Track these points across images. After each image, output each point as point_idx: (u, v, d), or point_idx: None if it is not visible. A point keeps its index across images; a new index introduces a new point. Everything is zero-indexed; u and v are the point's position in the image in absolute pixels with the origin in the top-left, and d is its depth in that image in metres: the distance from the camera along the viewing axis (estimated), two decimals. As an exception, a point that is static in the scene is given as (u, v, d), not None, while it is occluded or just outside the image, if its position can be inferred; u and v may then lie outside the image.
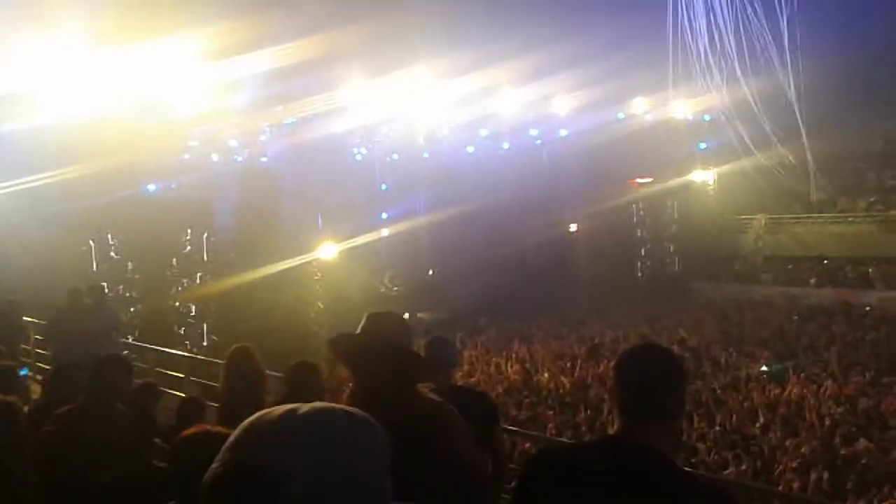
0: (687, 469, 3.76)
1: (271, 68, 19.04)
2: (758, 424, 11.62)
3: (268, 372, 5.32)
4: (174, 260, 19.44)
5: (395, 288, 24.84)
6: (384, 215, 24.55)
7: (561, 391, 14.08)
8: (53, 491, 3.58)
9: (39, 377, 8.91)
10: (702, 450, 10.43)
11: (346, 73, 21.73)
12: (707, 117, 31.02)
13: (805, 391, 13.50)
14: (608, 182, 27.75)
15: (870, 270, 26.43)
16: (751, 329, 20.69)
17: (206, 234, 20.02)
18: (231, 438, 1.16)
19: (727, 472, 9.31)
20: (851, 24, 29.99)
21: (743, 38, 30.58)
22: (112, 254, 18.22)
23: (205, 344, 19.11)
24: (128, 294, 18.08)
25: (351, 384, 2.52)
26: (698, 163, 31.03)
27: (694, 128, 30.85)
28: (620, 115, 28.74)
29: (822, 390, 13.45)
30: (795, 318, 22.36)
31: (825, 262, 27.75)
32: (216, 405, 5.40)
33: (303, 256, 20.65)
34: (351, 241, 21.87)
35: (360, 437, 1.18)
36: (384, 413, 1.25)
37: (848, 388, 13.63)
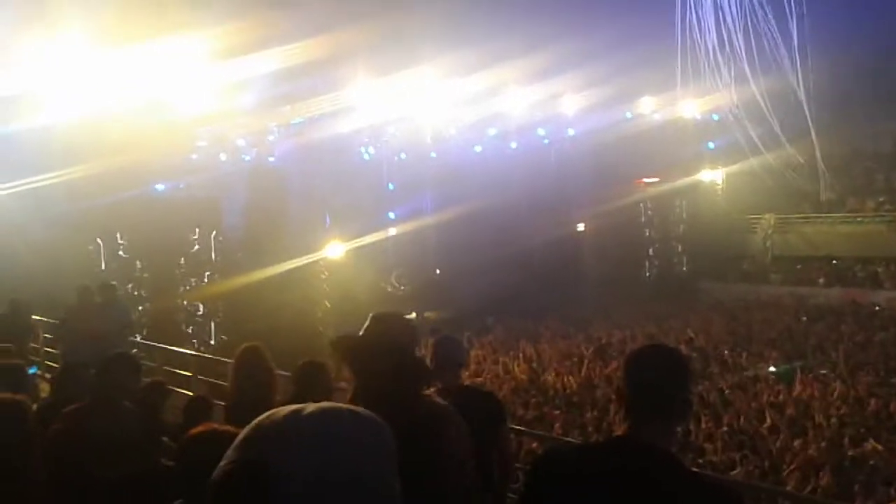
0: (694, 469, 3.75)
1: (279, 68, 19.08)
2: (765, 425, 11.58)
3: (277, 371, 5.32)
4: (182, 259, 19.50)
5: (402, 287, 24.86)
6: (391, 215, 24.57)
7: (568, 391, 14.07)
8: (61, 489, 3.59)
9: (48, 375, 8.94)
10: (709, 450, 10.40)
11: (354, 73, 21.77)
12: (715, 116, 30.96)
13: (813, 391, 13.45)
14: (616, 182, 27.70)
15: (879, 270, 26.35)
16: (759, 329, 20.62)
17: (214, 234, 20.07)
18: (239, 437, 1.16)
19: (735, 472, 9.28)
20: (860, 23, 29.89)
21: (752, 36, 30.51)
22: (120, 253, 18.28)
23: (212, 343, 19.17)
24: (136, 293, 18.13)
25: (353, 385, 2.52)
26: (706, 162, 30.97)
27: (702, 127, 30.79)
28: (628, 115, 28.71)
29: (830, 391, 13.40)
30: (804, 319, 22.27)
31: (834, 261, 27.67)
32: (223, 404, 5.41)
33: (310, 256, 20.70)
34: (358, 240, 21.89)
35: (366, 437, 1.18)
36: (386, 414, 1.25)
37: (857, 389, 13.56)
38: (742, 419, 11.84)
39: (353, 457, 1.14)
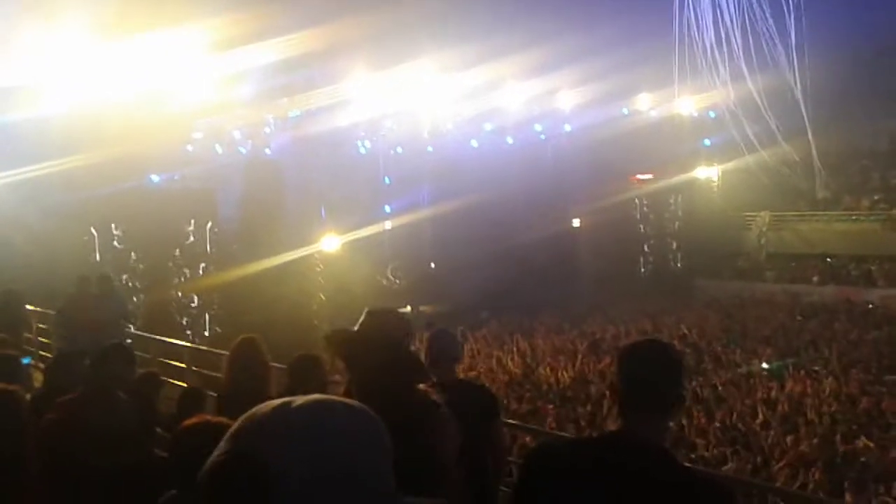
0: (687, 465, 3.77)
1: (276, 60, 19.04)
2: (758, 421, 11.63)
3: (272, 364, 5.31)
4: (177, 251, 19.44)
5: (398, 281, 24.85)
6: (387, 208, 24.55)
7: (561, 385, 14.11)
8: (55, 479, 3.60)
9: (42, 366, 8.93)
10: (701, 445, 10.44)
11: (351, 66, 21.73)
12: (712, 114, 30.98)
13: (806, 388, 13.50)
14: (612, 178, 27.72)
15: (873, 268, 26.43)
16: (753, 326, 20.68)
17: (209, 226, 20.03)
18: (231, 430, 1.16)
19: (726, 467, 9.31)
20: (857, 21, 29.94)
21: (749, 34, 30.53)
22: (115, 244, 18.24)
23: (207, 334, 19.15)
24: (131, 284, 18.10)
25: (347, 379, 2.53)
26: (703, 159, 31.00)
27: (699, 124, 30.81)
28: (625, 111, 28.72)
29: (822, 388, 13.45)
30: (799, 318, 22.31)
31: (828, 259, 27.75)
32: (215, 394, 5.40)
33: (306, 248, 20.67)
34: (354, 233, 21.88)
35: (360, 429, 1.17)
36: (379, 408, 1.25)
37: (849, 386, 13.62)
38: (735, 415, 11.88)
39: (346, 449, 1.13)
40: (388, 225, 24.20)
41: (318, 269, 21.39)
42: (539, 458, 2.46)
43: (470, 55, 22.71)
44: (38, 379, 7.03)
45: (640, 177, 29.92)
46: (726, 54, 30.97)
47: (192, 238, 19.70)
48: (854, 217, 28.60)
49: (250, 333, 5.21)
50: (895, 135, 31.06)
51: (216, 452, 1.13)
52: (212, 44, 17.46)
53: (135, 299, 17.60)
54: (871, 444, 10.25)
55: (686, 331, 19.47)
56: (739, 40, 30.79)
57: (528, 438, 8.55)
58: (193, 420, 2.91)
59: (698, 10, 31.38)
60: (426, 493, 2.31)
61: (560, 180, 26.70)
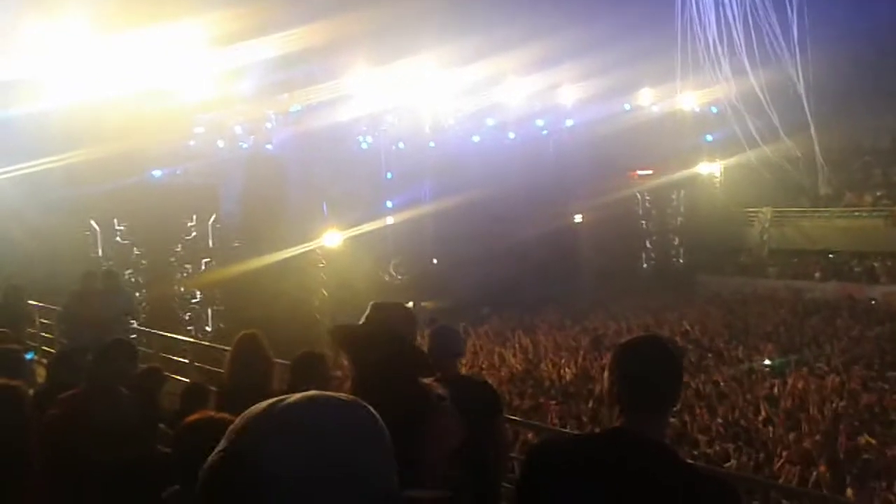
0: (689, 461, 3.77)
1: (277, 55, 19.02)
2: (760, 418, 11.63)
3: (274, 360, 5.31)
4: (179, 246, 19.47)
5: (400, 277, 24.86)
6: (389, 204, 24.55)
7: (563, 382, 14.11)
8: (58, 474, 3.60)
9: (45, 361, 8.94)
10: (703, 442, 10.44)
11: (353, 61, 21.70)
12: (714, 109, 30.92)
13: (808, 385, 13.50)
14: (614, 173, 27.71)
15: (875, 265, 26.40)
16: (755, 322, 20.68)
17: (211, 221, 20.04)
18: (229, 428, 1.15)
19: (728, 464, 9.32)
20: (860, 17, 29.84)
21: (752, 29, 30.43)
22: (117, 239, 18.26)
23: (209, 330, 19.17)
24: (133, 279, 18.12)
25: (351, 374, 2.53)
26: (705, 155, 30.96)
27: (701, 120, 30.75)
28: (627, 106, 28.67)
29: (825, 384, 13.45)
30: (809, 318, 22.23)
31: (830, 255, 27.72)
32: (215, 389, 5.40)
33: (307, 244, 20.69)
34: (356, 229, 21.89)
35: (355, 425, 1.15)
36: (383, 403, 1.24)
37: (851, 383, 13.62)
38: (737, 412, 11.89)
39: (342, 446, 1.11)
40: (389, 220, 24.21)
41: (320, 265, 21.41)
42: (541, 455, 2.46)
43: (471, 50, 22.68)
44: (40, 374, 7.04)
45: (639, 172, 29.88)
46: (728, 50, 30.90)
47: (193, 233, 19.72)
48: (856, 213, 28.56)
49: (252, 329, 5.21)
50: (897, 129, 31.04)
51: (214, 452, 1.13)
52: (213, 39, 17.44)
53: (137, 294, 17.63)
54: (874, 441, 10.24)
55: (688, 327, 19.48)
56: (742, 35, 30.72)
57: (530, 435, 8.56)
58: (196, 416, 2.91)
59: (700, 4, 31.31)
60: (428, 486, 2.31)
61: (562, 176, 26.68)
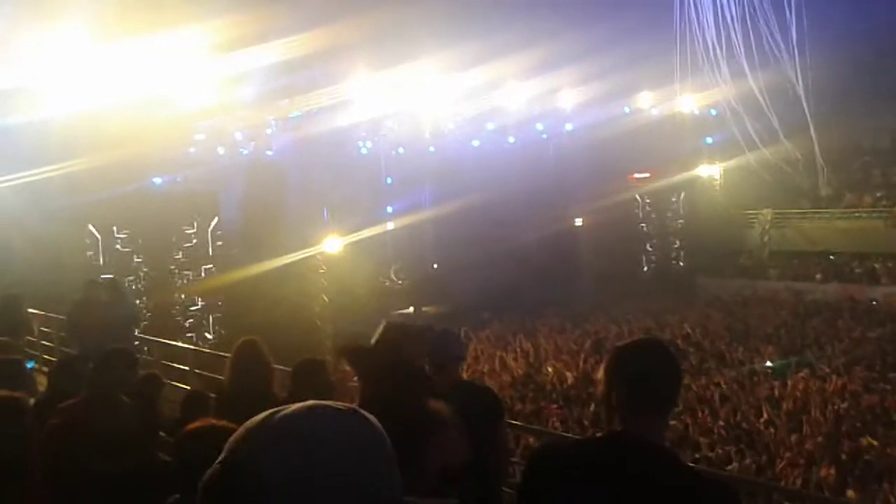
0: (690, 464, 3.77)
1: (277, 62, 19.04)
2: (762, 420, 11.62)
3: (275, 366, 5.31)
4: (179, 253, 19.47)
5: (400, 282, 24.87)
6: (389, 209, 24.55)
7: (565, 385, 14.10)
8: (59, 484, 3.60)
9: (46, 369, 8.93)
10: (705, 445, 10.44)
11: (352, 67, 21.72)
12: (713, 111, 30.92)
13: (809, 387, 13.48)
14: (614, 176, 27.70)
15: (876, 266, 26.38)
16: (756, 324, 20.66)
17: (211, 228, 20.04)
18: (230, 439, 1.15)
19: (730, 467, 9.31)
20: (859, 18, 29.88)
21: (750, 31, 30.44)
22: (118, 247, 18.26)
23: (210, 337, 19.17)
24: (134, 287, 18.12)
25: (361, 391, 2.54)
26: (704, 157, 30.96)
27: (700, 122, 30.75)
28: (626, 110, 28.67)
29: (826, 386, 13.43)
30: (810, 319, 22.20)
31: (831, 257, 27.70)
32: (214, 395, 5.40)
33: (308, 250, 20.69)
34: (356, 234, 21.89)
35: (354, 434, 1.15)
36: (389, 422, 1.24)
37: (853, 384, 13.60)
38: (739, 414, 11.87)
39: (341, 455, 1.11)
40: (390, 225, 24.22)
41: (321, 271, 21.40)
42: (542, 460, 2.46)
43: (470, 55, 22.70)
44: (41, 383, 7.04)
45: (637, 175, 29.87)
46: (727, 52, 30.91)
47: (194, 240, 19.72)
48: (857, 214, 28.54)
49: (252, 335, 5.21)
50: (897, 130, 31.03)
51: (214, 462, 1.13)
52: (213, 45, 17.47)
53: (138, 302, 17.63)
54: (875, 442, 10.23)
55: (689, 329, 19.46)
56: (740, 37, 30.71)
57: (531, 439, 8.55)
58: (197, 424, 2.90)
59: (699, 7, 31.32)
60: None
61: (562, 179, 26.69)
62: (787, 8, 29.64)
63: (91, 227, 17.76)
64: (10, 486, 2.83)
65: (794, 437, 10.52)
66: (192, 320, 19.29)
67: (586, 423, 11.37)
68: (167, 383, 6.77)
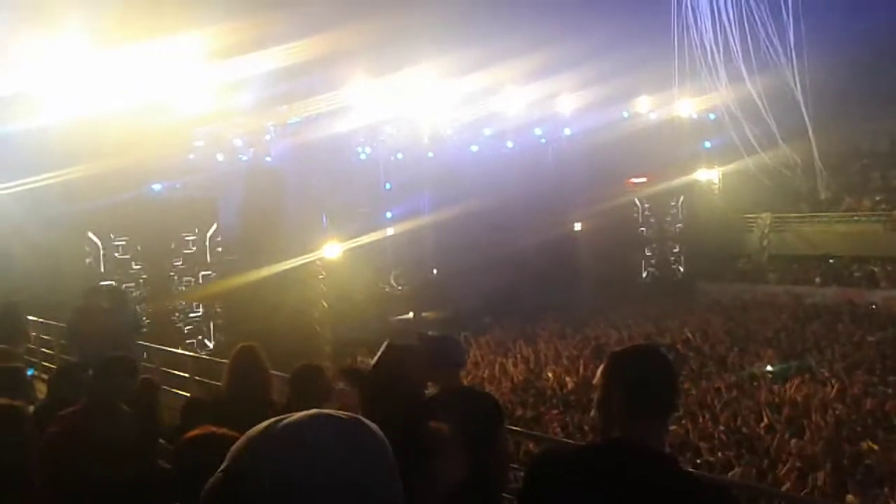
0: (690, 470, 3.76)
1: (276, 68, 19.06)
2: (762, 424, 11.61)
3: (273, 372, 5.30)
4: (179, 260, 19.46)
5: (400, 287, 24.86)
6: (389, 215, 24.56)
7: (565, 391, 14.09)
8: (59, 492, 3.59)
9: (45, 377, 8.91)
10: (706, 450, 10.42)
11: (351, 73, 21.75)
12: (712, 116, 30.97)
13: (810, 391, 13.48)
14: (613, 181, 27.73)
15: (875, 269, 26.39)
16: (756, 329, 20.66)
17: (210, 234, 20.03)
18: (232, 447, 1.15)
19: (732, 472, 9.29)
20: (857, 22, 29.94)
21: (748, 35, 30.52)
22: (116, 255, 18.24)
23: (209, 344, 19.15)
24: (133, 294, 18.10)
25: (362, 408, 2.55)
26: (703, 162, 31.00)
27: (698, 126, 30.80)
28: (625, 114, 28.71)
29: (826, 390, 13.43)
30: (810, 323, 22.20)
31: (830, 260, 27.71)
32: (209, 401, 5.40)
33: (307, 256, 20.68)
34: (355, 240, 21.89)
35: (356, 441, 1.15)
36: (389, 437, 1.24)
37: (853, 388, 13.59)
38: (739, 419, 11.86)
39: (343, 463, 1.12)
40: (389, 231, 24.22)
41: (320, 277, 21.39)
42: (542, 466, 2.46)
43: (469, 60, 22.73)
44: (41, 390, 7.03)
45: (634, 180, 29.88)
46: (725, 56, 30.98)
47: (193, 247, 19.71)
48: (856, 218, 28.58)
49: (250, 341, 5.21)
50: (895, 135, 31.04)
51: (216, 471, 1.13)
52: (212, 52, 17.48)
53: (138, 308, 17.60)
54: (876, 447, 10.22)
55: (689, 334, 19.46)
56: (738, 41, 30.81)
57: (531, 445, 8.53)
58: (197, 431, 2.90)
59: (697, 12, 31.41)
60: None
61: (561, 184, 26.70)
62: (784, 11, 29.74)
63: (90, 234, 17.74)
64: (10, 495, 2.82)
65: (794, 442, 10.51)
66: (191, 327, 19.26)
67: (587, 428, 11.35)
68: (164, 389, 6.76)
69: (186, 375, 10.49)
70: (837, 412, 11.99)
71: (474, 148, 26.48)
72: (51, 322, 11.73)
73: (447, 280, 24.22)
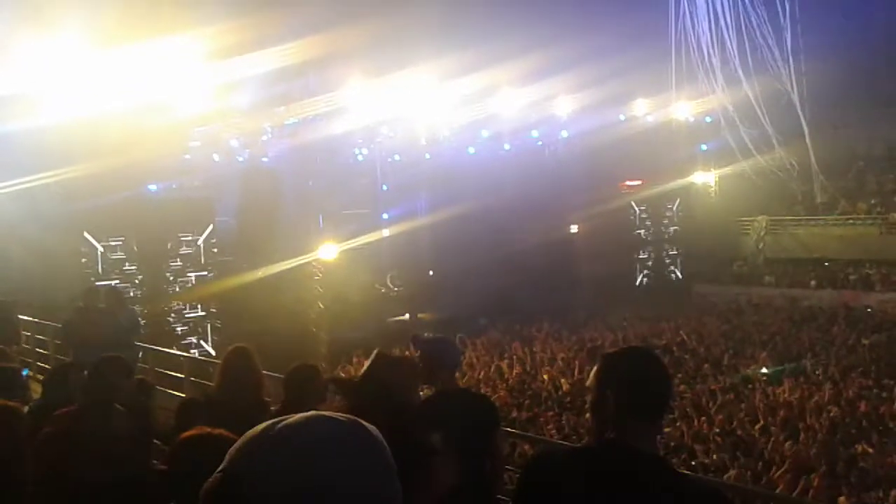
0: (684, 472, 3.77)
1: (273, 69, 19.05)
2: (757, 426, 11.62)
3: (269, 373, 5.30)
4: (175, 260, 19.42)
5: (396, 289, 24.85)
6: (385, 216, 24.55)
7: (560, 393, 14.10)
8: (53, 492, 3.59)
9: (40, 377, 8.90)
10: (701, 452, 10.43)
11: (348, 74, 21.74)
12: (708, 119, 31.04)
13: (804, 394, 13.50)
14: (609, 184, 27.76)
15: (870, 273, 26.47)
16: (751, 331, 20.69)
17: (207, 235, 20.00)
18: (230, 449, 1.16)
19: (726, 475, 9.30)
20: (852, 28, 30.03)
21: (745, 39, 30.61)
22: (112, 254, 18.20)
23: (205, 345, 19.11)
24: (129, 294, 18.07)
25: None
26: (699, 164, 31.06)
27: (695, 129, 30.86)
28: (622, 117, 28.75)
29: (821, 393, 13.45)
30: (805, 326, 22.23)
31: (826, 264, 27.78)
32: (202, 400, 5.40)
33: (304, 257, 20.65)
34: (352, 241, 21.87)
35: (353, 443, 1.16)
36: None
37: (847, 391, 13.62)
38: (734, 421, 11.88)
39: (341, 464, 1.12)
40: (385, 232, 24.20)
41: (317, 278, 21.36)
42: (537, 468, 2.47)
43: (466, 62, 22.75)
44: (35, 390, 7.02)
45: (628, 183, 29.92)
46: (722, 59, 31.06)
47: (190, 247, 19.68)
48: (851, 221, 28.66)
49: (241, 343, 5.22)
50: (891, 139, 31.13)
51: (214, 473, 1.14)
52: (209, 53, 17.47)
53: (136, 309, 17.56)
54: (870, 450, 10.25)
55: (685, 336, 19.48)
56: (735, 45, 30.90)
57: (527, 446, 8.54)
58: (192, 432, 2.90)
59: (694, 15, 31.49)
60: None
61: (557, 186, 26.67)
62: (781, 15, 29.82)
63: (87, 235, 17.71)
64: (4, 495, 2.82)
65: (788, 444, 10.53)
66: (186, 328, 19.23)
67: (582, 430, 11.36)
68: (159, 390, 6.75)
69: (181, 376, 10.48)
70: (832, 415, 12.02)
71: (471, 150, 26.48)
72: (46, 322, 11.71)
73: (443, 282, 24.20)
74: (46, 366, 10.49)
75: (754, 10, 30.46)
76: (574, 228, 28.23)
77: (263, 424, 1.16)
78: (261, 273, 18.98)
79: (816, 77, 29.02)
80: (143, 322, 15.96)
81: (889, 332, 19.81)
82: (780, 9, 29.91)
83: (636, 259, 30.58)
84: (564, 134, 28.02)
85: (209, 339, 19.31)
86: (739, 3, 30.65)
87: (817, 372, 15.64)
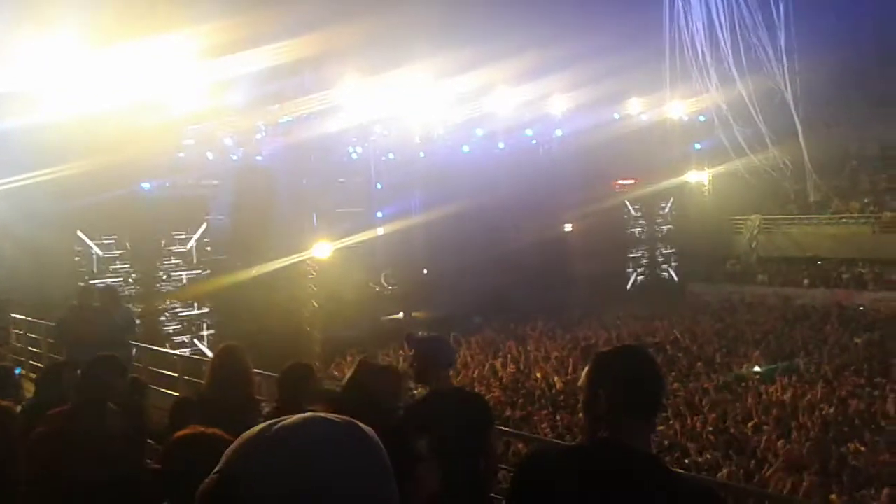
0: (677, 471, 3.78)
1: (267, 67, 19.00)
2: (750, 425, 11.66)
3: (263, 372, 5.30)
4: (169, 258, 19.39)
5: (390, 287, 24.84)
6: (379, 214, 24.54)
7: (554, 391, 14.12)
8: (46, 492, 3.58)
9: (33, 376, 8.87)
10: (694, 450, 10.46)
11: (342, 72, 21.69)
12: (702, 118, 31.09)
13: (797, 392, 13.55)
14: (603, 182, 27.79)
15: (863, 271, 26.56)
16: (744, 329, 20.76)
17: (200, 233, 19.97)
18: (226, 450, 1.16)
19: (719, 473, 9.33)
20: (848, 25, 30.12)
21: (739, 38, 30.66)
22: (105, 252, 18.16)
23: (199, 343, 19.08)
24: (125, 293, 18.03)
25: None
26: (693, 163, 31.12)
27: (689, 128, 30.91)
28: (616, 116, 28.78)
29: (814, 391, 13.50)
30: (798, 325, 22.33)
31: (819, 262, 27.87)
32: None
33: (298, 255, 20.62)
34: (346, 240, 21.85)
35: (349, 445, 1.16)
36: None
37: (840, 390, 13.68)
38: (727, 420, 11.91)
39: (337, 466, 1.12)
40: (380, 231, 24.18)
41: (311, 276, 21.34)
42: (530, 467, 2.47)
43: (461, 60, 22.73)
44: (28, 389, 7.01)
45: (622, 182, 29.97)
46: (716, 58, 31.11)
47: (183, 245, 19.64)
48: (844, 220, 28.76)
49: (232, 341, 5.21)
50: (884, 138, 31.23)
51: (210, 474, 1.14)
52: (203, 50, 17.42)
53: (131, 308, 17.52)
54: (863, 448, 10.29)
55: (678, 335, 19.53)
56: (729, 44, 30.95)
57: (520, 445, 8.56)
58: (185, 431, 2.90)
59: (689, 14, 31.52)
60: None
61: (552, 185, 26.70)
62: (775, 15, 29.89)
63: (80, 233, 17.66)
64: (-2, 495, 2.81)
65: (781, 443, 10.57)
66: (180, 326, 19.19)
67: (576, 429, 11.38)
68: (153, 388, 6.74)
69: (175, 375, 10.46)
70: (825, 413, 12.06)
71: (466, 148, 26.47)
72: (39, 321, 11.67)
73: (437, 280, 24.20)
74: (39, 364, 10.46)
75: (748, 9, 30.53)
76: (568, 227, 28.25)
77: (260, 426, 1.16)
78: (255, 271, 18.96)
79: (810, 76, 29.09)
80: (138, 321, 15.98)
81: (881, 330, 19.87)
82: (773, 8, 30.00)
83: (630, 258, 30.64)
84: (559, 133, 28.03)
85: (203, 337, 19.28)
86: (733, 2, 30.72)
87: (810, 370, 15.69)
